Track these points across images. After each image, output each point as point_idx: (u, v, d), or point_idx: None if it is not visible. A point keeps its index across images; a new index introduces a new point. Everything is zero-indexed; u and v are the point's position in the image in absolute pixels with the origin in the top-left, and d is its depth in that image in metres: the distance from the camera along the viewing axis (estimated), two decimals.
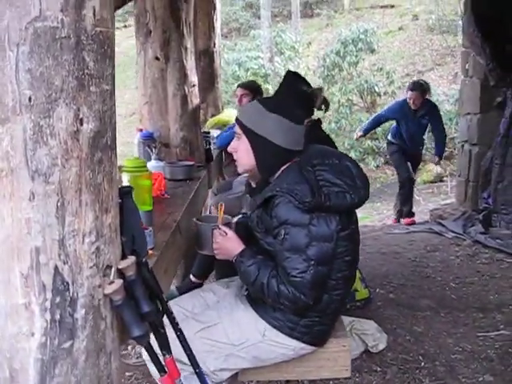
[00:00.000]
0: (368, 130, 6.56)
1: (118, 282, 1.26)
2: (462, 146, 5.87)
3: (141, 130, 3.22)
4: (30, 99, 1.09)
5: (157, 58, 3.13)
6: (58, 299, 1.18)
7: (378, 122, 6.46)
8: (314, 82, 10.99)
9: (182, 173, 2.96)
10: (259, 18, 17.59)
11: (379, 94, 12.45)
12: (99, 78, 1.17)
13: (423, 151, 6.46)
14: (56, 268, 1.17)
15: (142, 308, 1.32)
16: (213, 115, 5.42)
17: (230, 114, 5.28)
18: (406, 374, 2.79)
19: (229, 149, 2.09)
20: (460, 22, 12.85)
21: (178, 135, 3.26)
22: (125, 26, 18.76)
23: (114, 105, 1.26)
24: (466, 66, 5.59)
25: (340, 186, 1.91)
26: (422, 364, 2.88)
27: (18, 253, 1.15)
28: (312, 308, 1.96)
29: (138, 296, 1.32)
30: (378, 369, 2.84)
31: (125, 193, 1.39)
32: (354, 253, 2.06)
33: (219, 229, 2.08)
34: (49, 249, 1.16)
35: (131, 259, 1.32)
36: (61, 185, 1.15)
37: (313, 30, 18.13)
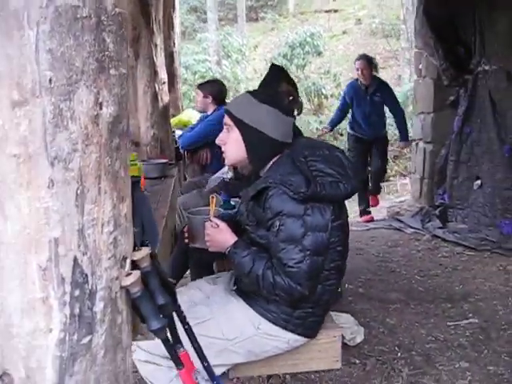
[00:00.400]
0: (334, 123, 6.38)
1: (136, 274, 1.22)
2: (417, 144, 6.02)
3: None
4: (50, 81, 1.03)
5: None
6: (77, 292, 1.12)
7: (340, 111, 6.24)
8: None
9: (157, 171, 2.92)
10: (204, 21, 17.55)
11: (326, 97, 12.66)
12: (118, 60, 1.13)
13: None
14: (75, 259, 1.11)
15: (157, 300, 1.28)
16: (173, 115, 5.35)
17: (190, 115, 5.23)
18: (385, 364, 2.82)
19: (217, 140, 2.05)
20: (403, 26, 13.28)
21: (149, 133, 3.20)
22: None
23: (129, 90, 1.21)
24: (420, 67, 5.74)
25: (333, 175, 1.92)
26: (399, 354, 2.92)
27: (36, 245, 1.09)
28: (306, 299, 1.96)
29: (153, 288, 1.28)
30: (357, 361, 2.86)
31: (134, 182, 1.34)
32: (345, 244, 2.08)
33: (211, 221, 2.05)
34: (68, 239, 1.10)
35: (146, 250, 1.28)
36: (81, 171, 1.09)
37: (258, 34, 18.26)
